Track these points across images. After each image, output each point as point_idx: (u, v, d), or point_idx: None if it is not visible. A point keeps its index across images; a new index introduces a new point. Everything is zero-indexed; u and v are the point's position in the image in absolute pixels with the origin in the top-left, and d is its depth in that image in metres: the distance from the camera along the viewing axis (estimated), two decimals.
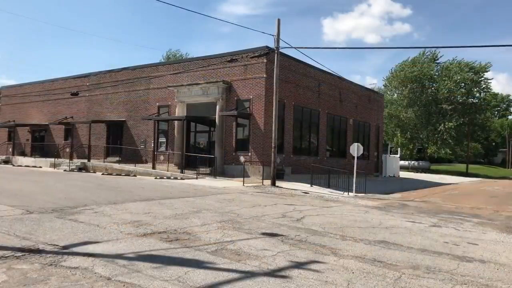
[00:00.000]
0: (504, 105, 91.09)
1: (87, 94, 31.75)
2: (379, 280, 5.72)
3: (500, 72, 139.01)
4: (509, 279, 6.09)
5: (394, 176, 35.57)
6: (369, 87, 42.45)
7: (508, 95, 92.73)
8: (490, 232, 10.11)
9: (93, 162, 27.75)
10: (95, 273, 5.40)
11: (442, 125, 47.67)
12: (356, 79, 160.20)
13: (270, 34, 19.79)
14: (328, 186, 20.04)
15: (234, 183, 19.45)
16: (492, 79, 55.66)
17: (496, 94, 74.03)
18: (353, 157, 19.60)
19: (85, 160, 28.11)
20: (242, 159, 22.60)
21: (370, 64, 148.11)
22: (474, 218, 12.56)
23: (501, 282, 5.92)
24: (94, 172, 25.49)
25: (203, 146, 26.35)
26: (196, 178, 21.33)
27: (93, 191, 14.52)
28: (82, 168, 26.91)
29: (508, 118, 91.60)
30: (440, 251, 7.70)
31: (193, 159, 24.06)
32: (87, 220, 8.91)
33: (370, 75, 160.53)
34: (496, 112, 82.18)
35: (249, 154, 22.71)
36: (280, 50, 20.28)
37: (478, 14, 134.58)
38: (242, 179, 19.41)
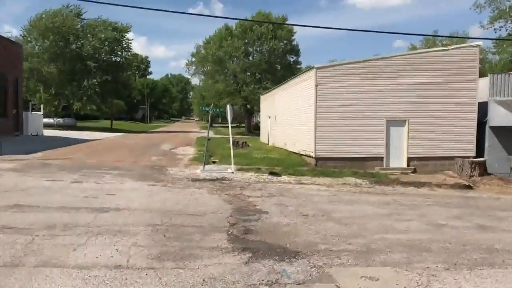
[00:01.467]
0: (144, 66, 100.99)
1: None
2: (7, 248, 5.17)
3: (141, 36, 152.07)
4: (138, 221, 6.81)
5: (38, 134, 33.24)
6: (6, 36, 37.15)
7: (147, 57, 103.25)
8: (127, 182, 11.01)
9: None
10: None
11: (87, 81, 47.84)
12: None
13: None
14: None
15: None
16: (132, 39, 59.69)
17: (137, 55, 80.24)
18: None
19: None
20: None
21: (8, 11, 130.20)
22: (115, 170, 13.32)
23: (132, 226, 6.55)
24: None
25: None
26: None
27: None
28: None
29: (147, 78, 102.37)
30: (79, 206, 7.75)
31: None
32: None
33: (9, 24, 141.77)
34: (137, 72, 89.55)
35: None
36: None
37: None
38: None
